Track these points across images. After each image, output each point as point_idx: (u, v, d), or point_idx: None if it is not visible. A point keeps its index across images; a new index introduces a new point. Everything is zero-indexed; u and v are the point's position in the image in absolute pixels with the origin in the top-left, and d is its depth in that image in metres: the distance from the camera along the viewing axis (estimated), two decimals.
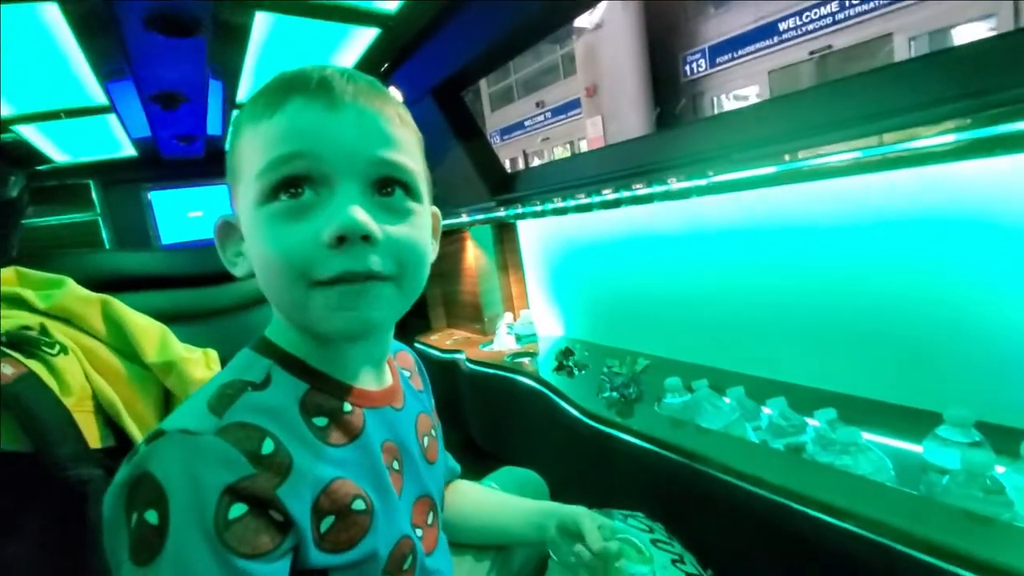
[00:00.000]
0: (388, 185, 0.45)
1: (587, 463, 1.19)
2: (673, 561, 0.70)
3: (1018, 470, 0.66)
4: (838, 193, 0.95)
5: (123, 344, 0.85)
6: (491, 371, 1.60)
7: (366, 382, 0.52)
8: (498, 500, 0.73)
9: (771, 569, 0.79)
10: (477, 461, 1.09)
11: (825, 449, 0.83)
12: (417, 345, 2.08)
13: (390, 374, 0.57)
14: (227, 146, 0.47)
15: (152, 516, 0.36)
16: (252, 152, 0.43)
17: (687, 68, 10.10)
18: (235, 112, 2.08)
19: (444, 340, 2.02)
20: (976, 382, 0.83)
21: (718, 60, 9.64)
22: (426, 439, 0.58)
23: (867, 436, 0.84)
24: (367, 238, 0.42)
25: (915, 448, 0.81)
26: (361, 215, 0.41)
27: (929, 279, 0.87)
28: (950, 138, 0.65)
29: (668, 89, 10.08)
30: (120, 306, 0.86)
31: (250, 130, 0.43)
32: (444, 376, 1.85)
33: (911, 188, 0.86)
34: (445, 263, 2.13)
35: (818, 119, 0.90)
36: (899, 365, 0.92)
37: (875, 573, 0.66)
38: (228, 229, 0.48)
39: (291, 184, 0.42)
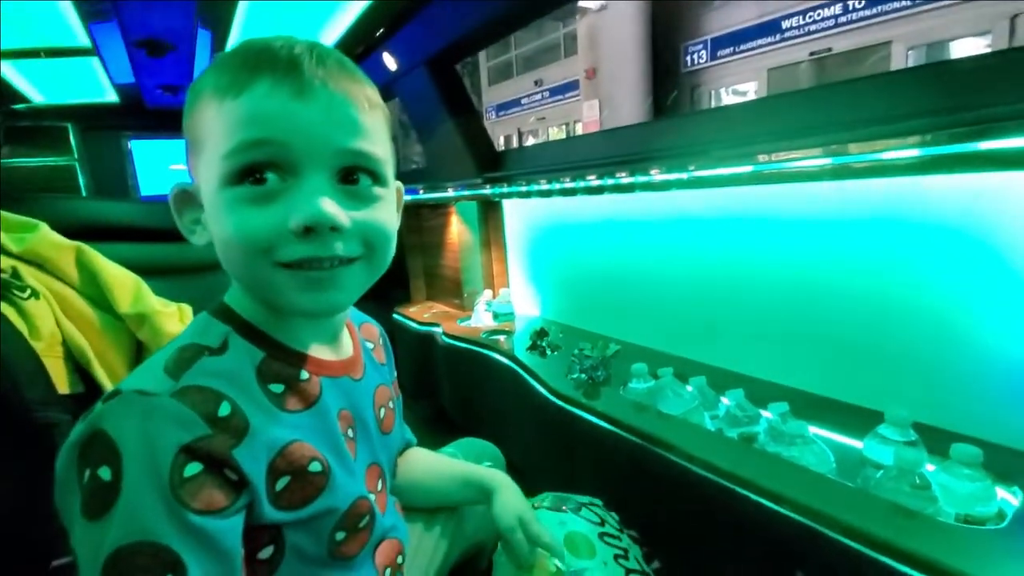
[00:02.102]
0: (354, 173, 0.45)
1: (552, 440, 1.22)
2: (616, 556, 0.73)
3: (946, 469, 0.70)
4: (810, 194, 0.98)
5: (96, 293, 0.85)
6: (466, 346, 1.62)
7: (323, 352, 0.53)
8: (447, 464, 0.75)
9: (717, 547, 0.84)
10: (447, 432, 1.12)
11: (775, 440, 0.88)
12: (396, 316, 2.09)
13: (351, 345, 0.58)
14: (186, 109, 0.46)
15: (105, 472, 0.37)
16: (215, 129, 0.42)
17: (688, 59, 10.04)
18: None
19: (422, 313, 2.03)
20: (920, 386, 0.87)
21: (719, 53, 9.59)
22: (383, 411, 0.60)
23: (815, 430, 0.89)
24: (335, 228, 0.43)
25: (857, 444, 0.85)
26: (330, 207, 0.42)
27: (888, 286, 0.90)
28: (914, 152, 0.68)
29: (667, 78, 10.02)
30: (94, 255, 0.86)
31: (213, 104, 0.43)
32: (420, 348, 1.87)
33: (877, 196, 0.89)
34: (428, 236, 2.13)
35: (801, 122, 0.92)
36: (853, 366, 0.97)
37: (811, 557, 0.71)
38: (185, 197, 0.48)
39: (256, 169, 0.42)
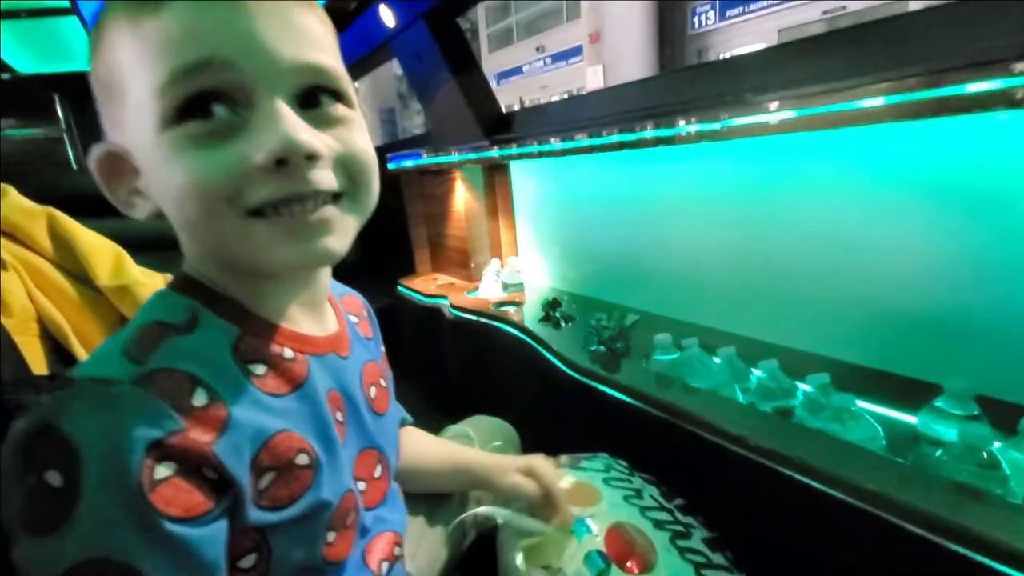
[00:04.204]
0: (316, 94, 0.37)
1: (568, 415, 1.17)
2: (626, 497, 0.69)
3: (1014, 445, 0.64)
4: (847, 141, 0.88)
5: (72, 263, 0.77)
6: (475, 318, 1.55)
7: (307, 326, 0.46)
8: (439, 449, 0.69)
9: (754, 532, 0.78)
10: (456, 408, 1.06)
11: (815, 414, 0.81)
12: (400, 289, 2.03)
13: (335, 319, 0.51)
14: (91, 51, 0.38)
15: (55, 477, 0.30)
16: (137, 63, 0.34)
17: (695, 20, 9.69)
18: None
19: (428, 284, 1.96)
20: (975, 355, 0.80)
21: (728, 14, 9.25)
22: (373, 389, 0.54)
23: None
24: (311, 157, 0.35)
25: (906, 418, 0.79)
26: (303, 132, 0.34)
27: (938, 242, 0.82)
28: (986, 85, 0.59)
29: (674, 41, 9.69)
30: (67, 221, 0.78)
31: (127, 31, 0.34)
32: (426, 322, 1.80)
33: (927, 136, 0.80)
34: (432, 205, 2.04)
35: (836, 65, 0.83)
36: (898, 333, 0.89)
37: (864, 542, 0.65)
38: (112, 162, 0.38)
39: (200, 101, 0.33)
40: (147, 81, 0.33)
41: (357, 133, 0.40)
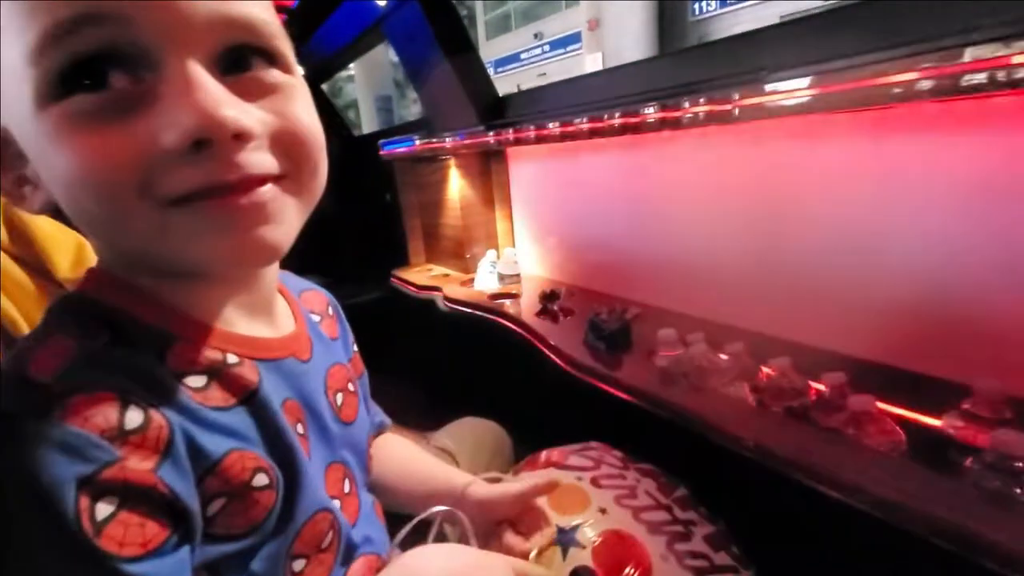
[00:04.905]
0: (241, 56, 0.31)
1: (566, 414, 1.12)
2: (619, 497, 0.64)
3: None
4: (859, 129, 0.83)
5: (30, 255, 0.71)
6: (470, 311, 1.50)
7: (254, 327, 0.40)
8: (414, 467, 0.61)
9: (760, 540, 0.74)
10: (448, 406, 1.01)
11: (830, 416, 0.76)
12: (392, 280, 1.97)
13: (291, 319, 0.46)
14: None
15: None
16: (8, 22, 0.28)
17: (696, 6, 9.57)
18: None
19: (421, 276, 1.90)
20: (1006, 351, 0.75)
21: (729, 0, 9.14)
22: (340, 396, 0.48)
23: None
24: (240, 136, 0.29)
25: (933, 422, 0.73)
26: (227, 106, 0.28)
27: (959, 232, 0.76)
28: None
29: (674, 28, 9.57)
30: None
31: None
32: (419, 315, 1.76)
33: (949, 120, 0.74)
34: (427, 194, 1.99)
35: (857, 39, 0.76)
36: (921, 327, 0.83)
37: (876, 554, 0.60)
38: None
39: (93, 67, 0.27)
40: (19, 44, 0.27)
41: (297, 103, 0.33)
